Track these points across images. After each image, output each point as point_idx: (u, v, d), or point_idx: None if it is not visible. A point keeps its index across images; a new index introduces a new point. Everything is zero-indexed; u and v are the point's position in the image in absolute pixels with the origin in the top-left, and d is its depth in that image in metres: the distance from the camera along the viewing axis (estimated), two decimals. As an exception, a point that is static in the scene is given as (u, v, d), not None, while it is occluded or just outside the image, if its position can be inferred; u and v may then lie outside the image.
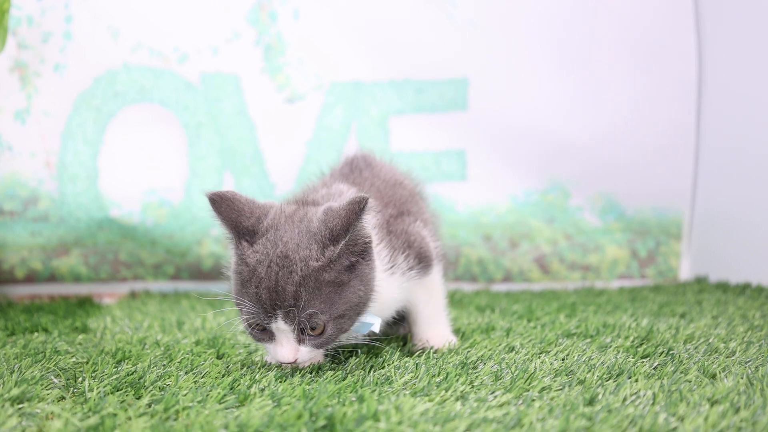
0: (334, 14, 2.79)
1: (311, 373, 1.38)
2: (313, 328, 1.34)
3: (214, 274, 2.73)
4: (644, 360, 1.49)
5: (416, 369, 1.39)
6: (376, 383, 1.30)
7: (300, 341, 1.35)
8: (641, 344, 1.65)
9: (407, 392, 1.24)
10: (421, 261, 1.57)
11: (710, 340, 1.67)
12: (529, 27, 2.86)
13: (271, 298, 1.31)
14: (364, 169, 1.75)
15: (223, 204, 1.35)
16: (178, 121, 2.70)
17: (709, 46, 2.88)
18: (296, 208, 1.41)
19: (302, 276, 1.31)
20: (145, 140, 2.68)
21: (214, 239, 2.69)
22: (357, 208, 1.32)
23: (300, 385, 1.27)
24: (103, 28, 2.63)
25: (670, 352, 1.54)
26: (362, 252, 1.37)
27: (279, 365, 1.42)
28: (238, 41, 2.74)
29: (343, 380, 1.31)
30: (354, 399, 1.17)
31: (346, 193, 1.57)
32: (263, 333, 1.36)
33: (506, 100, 2.87)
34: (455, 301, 2.49)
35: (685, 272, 3.02)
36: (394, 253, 1.52)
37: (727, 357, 1.51)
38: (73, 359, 1.51)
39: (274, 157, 2.74)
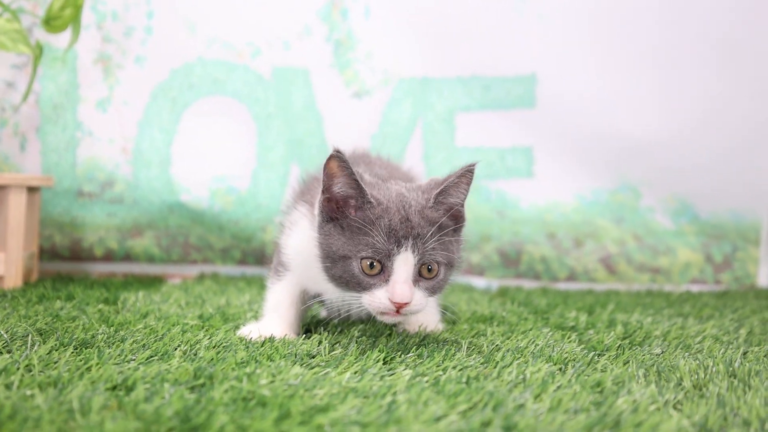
0: (403, 11, 2.85)
1: (248, 346, 1.46)
2: (429, 269, 1.46)
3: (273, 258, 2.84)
4: (587, 351, 1.53)
5: (350, 346, 1.46)
6: (297, 354, 1.38)
7: (415, 282, 1.46)
8: (611, 339, 1.66)
9: (323, 364, 1.30)
10: None
11: (684, 340, 1.69)
12: (598, 24, 2.85)
13: (403, 227, 1.44)
14: (360, 163, 1.84)
15: (347, 161, 1.46)
16: (248, 113, 2.82)
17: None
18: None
19: (420, 210, 1.46)
20: (216, 130, 2.81)
21: (277, 226, 2.79)
22: (460, 172, 1.50)
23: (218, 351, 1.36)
24: (181, 22, 2.78)
25: (620, 347, 1.58)
26: (456, 216, 1.53)
27: (384, 314, 1.48)
28: (310, 37, 2.83)
29: (275, 351, 1.39)
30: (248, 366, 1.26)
31: None
32: (376, 277, 1.45)
33: (575, 97, 2.87)
34: (497, 294, 2.53)
35: (764, 279, 2.93)
36: None
37: (672, 353, 1.55)
38: (72, 324, 1.63)
39: (340, 150, 2.83)
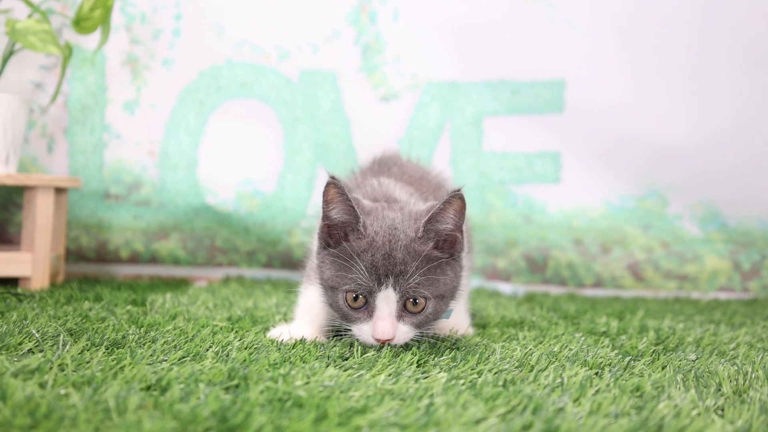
0: (432, 15, 2.84)
1: (280, 348, 1.46)
2: (415, 303, 1.47)
3: (305, 263, 2.83)
4: (622, 356, 1.51)
5: (383, 349, 1.46)
6: (329, 357, 1.37)
7: (399, 317, 1.47)
8: (644, 344, 1.65)
9: (356, 366, 1.29)
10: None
11: (719, 346, 1.67)
12: (627, 29, 2.82)
13: (384, 264, 1.44)
14: (393, 166, 1.84)
15: (345, 187, 1.48)
16: (275, 116, 2.82)
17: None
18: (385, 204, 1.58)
19: (407, 244, 1.45)
20: (243, 133, 2.81)
21: (303, 230, 2.79)
22: (446, 199, 1.47)
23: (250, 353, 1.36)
24: (209, 25, 2.78)
25: (654, 352, 1.57)
26: (451, 242, 1.51)
27: (368, 346, 1.50)
28: (338, 40, 2.83)
29: (307, 353, 1.38)
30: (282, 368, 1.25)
31: (393, 186, 1.71)
32: (360, 311, 1.48)
33: (604, 102, 2.84)
34: (524, 300, 2.52)
35: (794, 288, 2.90)
36: None
37: (708, 359, 1.54)
38: (102, 324, 1.63)
39: (367, 153, 2.82)
